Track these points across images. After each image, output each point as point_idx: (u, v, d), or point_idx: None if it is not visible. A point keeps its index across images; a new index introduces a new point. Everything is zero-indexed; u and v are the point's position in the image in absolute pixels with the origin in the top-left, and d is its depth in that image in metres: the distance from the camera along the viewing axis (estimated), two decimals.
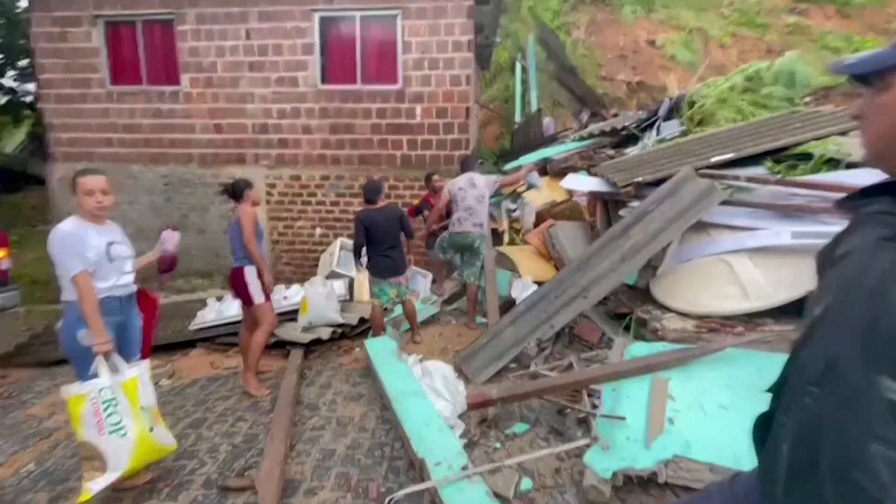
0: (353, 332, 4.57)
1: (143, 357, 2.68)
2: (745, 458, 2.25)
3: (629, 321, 3.82)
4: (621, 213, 4.65)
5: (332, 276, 5.70)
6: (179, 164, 7.28)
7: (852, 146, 3.87)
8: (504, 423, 2.92)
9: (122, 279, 2.47)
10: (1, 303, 4.33)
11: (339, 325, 4.44)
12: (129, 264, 2.55)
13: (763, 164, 4.38)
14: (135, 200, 7.38)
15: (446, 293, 5.12)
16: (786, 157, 4.32)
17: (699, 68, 14.69)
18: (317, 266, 7.03)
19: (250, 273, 3.52)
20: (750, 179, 3.84)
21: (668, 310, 3.60)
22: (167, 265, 2.98)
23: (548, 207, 6.23)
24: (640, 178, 4.42)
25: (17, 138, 15.80)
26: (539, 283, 4.71)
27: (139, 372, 2.40)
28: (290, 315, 4.60)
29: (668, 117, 6.26)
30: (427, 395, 3.03)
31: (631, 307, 3.91)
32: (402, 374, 3.34)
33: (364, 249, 4.09)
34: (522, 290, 4.58)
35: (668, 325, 3.38)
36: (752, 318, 3.21)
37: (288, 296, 4.81)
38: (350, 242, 6.39)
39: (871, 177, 0.79)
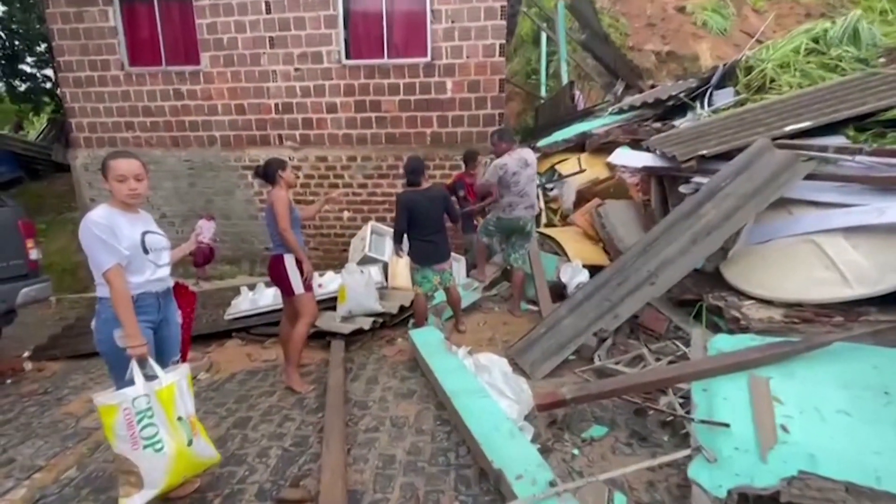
0: (393, 322, 4.30)
1: (183, 359, 2.43)
2: (888, 475, 1.93)
3: (699, 309, 3.46)
4: (682, 189, 4.25)
5: (365, 261, 5.41)
6: (202, 147, 7.00)
7: None
8: (576, 424, 2.63)
9: (157, 272, 2.20)
10: (34, 294, 4.14)
11: (380, 315, 4.17)
12: (166, 255, 2.27)
13: (843, 132, 3.93)
14: (157, 186, 7.14)
15: (487, 279, 4.80)
16: (871, 125, 3.86)
17: (732, 34, 13.87)
18: (345, 251, 6.77)
19: (290, 262, 3.24)
20: (839, 150, 3.40)
21: (746, 296, 3.23)
22: (204, 258, 2.73)
23: (589, 185, 5.81)
24: (704, 152, 4.00)
25: (38, 125, 15.74)
26: (589, 267, 4.38)
27: (177, 378, 2.14)
28: (327, 304, 4.34)
29: (719, 86, 5.75)
30: (489, 394, 2.74)
31: (699, 293, 3.55)
32: (457, 368, 3.06)
33: (405, 234, 3.77)
34: (573, 274, 4.24)
35: (751, 313, 3.02)
36: (850, 307, 2.82)
37: (323, 283, 4.54)
38: (381, 226, 6.10)
39: None
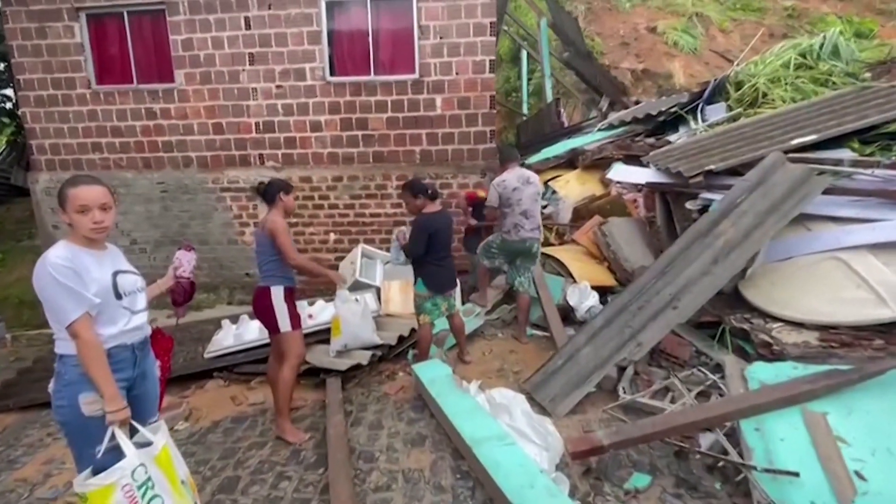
0: (392, 354, 3.94)
1: (157, 407, 2.05)
2: None
3: (721, 331, 3.24)
4: (689, 205, 4.08)
5: (357, 286, 5.05)
6: (176, 168, 6.56)
7: None
8: (614, 472, 2.33)
9: (133, 320, 1.82)
10: None
11: (377, 347, 3.81)
12: (142, 299, 1.90)
13: (847, 145, 3.84)
14: (128, 210, 6.64)
15: (489, 303, 4.51)
16: (875, 137, 3.78)
17: (702, 53, 14.24)
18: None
19: (277, 294, 2.87)
20: (855, 164, 3.28)
21: (773, 318, 3.03)
22: (185, 295, 2.34)
23: (585, 202, 5.64)
24: (711, 166, 3.85)
25: None
26: (595, 289, 4.15)
27: (165, 438, 1.78)
28: (319, 336, 3.96)
29: (709, 101, 5.70)
30: (514, 440, 2.43)
31: (719, 315, 3.34)
32: (472, 410, 2.73)
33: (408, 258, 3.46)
34: (581, 297, 3.99)
35: (783, 338, 2.81)
36: (888, 329, 2.65)
37: (314, 314, 4.16)
38: (371, 249, 5.76)
39: None
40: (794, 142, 3.82)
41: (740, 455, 2.14)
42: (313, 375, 3.66)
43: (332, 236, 6.50)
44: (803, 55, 5.17)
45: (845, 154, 3.73)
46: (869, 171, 3.15)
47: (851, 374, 2.28)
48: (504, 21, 9.61)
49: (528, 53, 10.87)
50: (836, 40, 5.53)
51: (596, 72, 8.74)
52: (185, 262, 2.31)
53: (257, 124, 6.32)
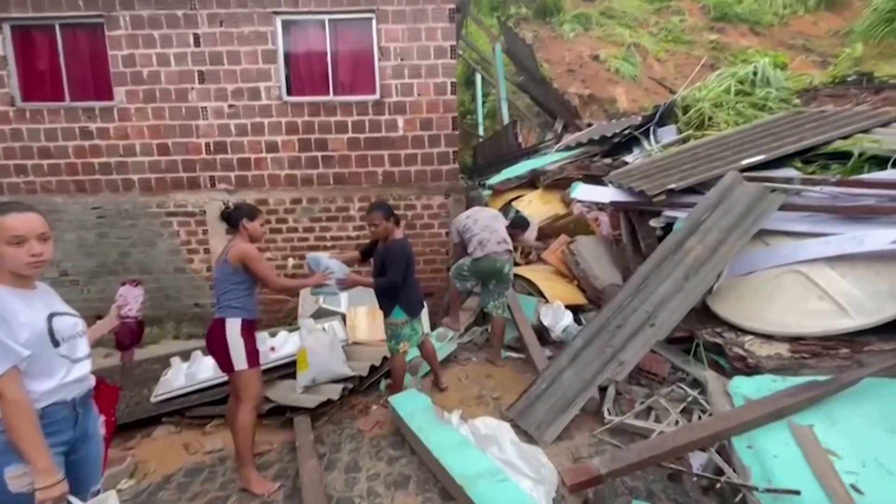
0: (363, 386, 3.70)
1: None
2: None
3: (695, 346, 3.28)
4: (652, 223, 4.18)
5: (320, 314, 4.77)
6: (115, 192, 6.02)
7: (893, 142, 3.64)
8: (612, 501, 2.23)
9: (74, 371, 1.54)
10: None
11: (348, 379, 3.56)
12: (83, 344, 1.62)
13: (790, 165, 4.10)
14: (58, 238, 5.98)
15: (461, 327, 4.38)
16: (814, 157, 4.06)
17: (641, 81, 15.17)
18: (288, 303, 6.03)
19: (232, 327, 2.60)
20: (805, 181, 3.48)
21: (743, 331, 3.10)
22: (132, 337, 2.05)
23: (550, 222, 5.69)
24: (673, 185, 3.97)
25: None
26: (568, 308, 4.13)
27: None
28: (283, 371, 3.65)
29: (660, 123, 5.98)
30: (507, 476, 2.28)
31: (691, 330, 3.38)
32: (459, 444, 2.57)
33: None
34: (555, 317, 3.95)
35: (757, 350, 2.87)
36: (851, 338, 2.76)
37: (276, 346, 3.84)
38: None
39: None
40: (745, 161, 4.02)
41: (735, 473, 2.11)
42: (279, 414, 3.35)
43: (291, 261, 6.15)
44: (741, 82, 5.55)
45: (790, 173, 3.97)
46: (818, 189, 3.34)
47: (829, 385, 2.33)
48: (458, 46, 9.78)
49: (482, 77, 11.09)
50: (766, 70, 6.01)
51: (549, 95, 9.03)
52: (130, 300, 2.02)
53: (208, 145, 5.94)
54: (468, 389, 3.62)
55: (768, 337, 2.96)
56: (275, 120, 5.94)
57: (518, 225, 4.46)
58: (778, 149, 4.10)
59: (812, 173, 3.90)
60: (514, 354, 4.13)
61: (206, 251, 6.08)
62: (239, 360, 2.59)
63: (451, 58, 5.85)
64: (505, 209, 6.52)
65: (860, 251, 2.92)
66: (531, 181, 6.65)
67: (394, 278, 3.05)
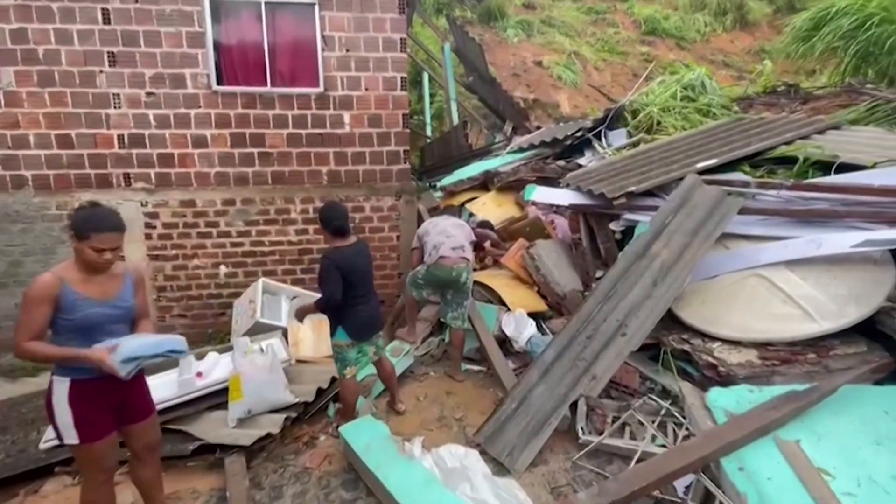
0: (309, 412, 3.24)
1: None
2: None
3: (663, 355, 3.15)
4: (612, 226, 4.06)
5: (258, 329, 4.22)
6: (3, 190, 5.06)
7: (835, 148, 3.74)
8: None
9: None
10: None
11: (291, 406, 3.09)
12: None
13: (739, 169, 4.14)
14: None
15: (418, 339, 4.02)
16: (762, 162, 4.12)
17: (582, 88, 15.59)
18: (223, 316, 5.38)
19: (59, 392, 1.92)
20: (761, 185, 3.47)
21: (710, 337, 3.00)
22: None
23: (505, 225, 5.47)
24: (633, 188, 3.86)
25: None
26: (531, 315, 3.91)
27: None
28: (212, 401, 3.11)
29: (610, 126, 5.97)
30: None
31: (657, 337, 3.25)
32: (424, 483, 2.22)
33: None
34: (518, 326, 3.70)
35: (727, 358, 2.76)
36: (815, 342, 2.72)
37: (203, 371, 3.28)
38: (273, 283, 4.94)
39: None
40: (699, 165, 4.00)
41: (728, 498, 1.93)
42: (206, 454, 2.82)
43: (224, 269, 5.49)
44: (686, 88, 5.64)
45: (740, 176, 4.00)
46: (774, 193, 3.34)
47: (809, 394, 2.22)
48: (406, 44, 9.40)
49: (429, 77, 10.79)
50: (704, 78, 6.19)
51: (499, 97, 8.89)
52: None
53: (121, 137, 5.15)
54: (428, 410, 3.27)
55: (735, 343, 2.87)
56: (203, 111, 5.26)
57: (485, 227, 4.24)
58: (728, 153, 4.13)
59: (761, 177, 3.94)
60: (475, 367, 3.84)
61: (121, 259, 5.25)
62: (66, 431, 1.93)
63: (401, 51, 5.48)
64: (458, 211, 6.25)
65: (818, 255, 2.90)
66: (483, 183, 6.43)
67: (325, 295, 2.67)
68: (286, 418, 2.97)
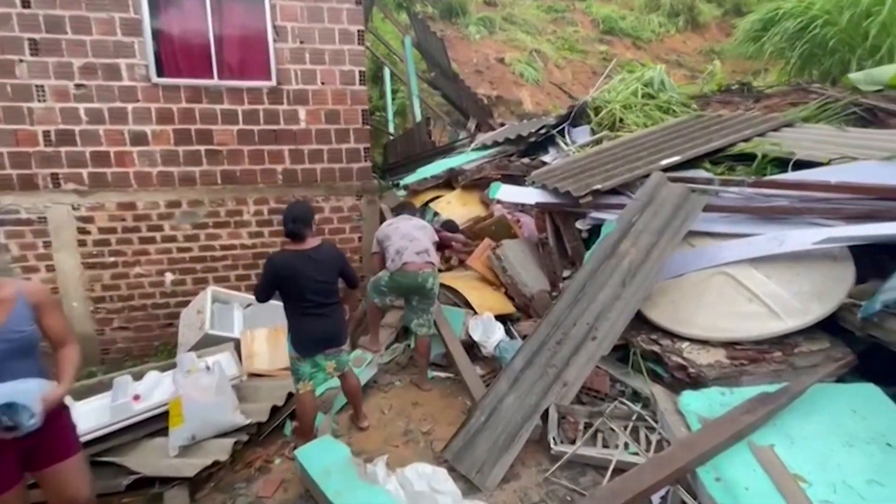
0: (262, 433, 2.98)
1: None
2: None
3: (632, 355, 3.08)
4: (578, 225, 3.98)
5: (207, 342, 3.89)
6: None
7: (790, 145, 3.79)
8: None
9: None
10: None
11: (243, 428, 2.82)
12: None
13: (701, 166, 4.15)
14: None
15: (382, 347, 3.81)
16: (722, 159, 4.14)
17: (544, 85, 15.71)
18: (171, 327, 4.97)
19: None
20: (724, 182, 3.46)
21: (679, 337, 2.95)
22: None
23: (470, 224, 5.33)
24: (598, 186, 3.79)
25: None
26: (499, 318, 3.78)
27: None
28: (151, 427, 2.80)
29: (573, 124, 5.92)
30: None
31: (625, 338, 3.18)
32: None
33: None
34: (485, 331, 3.55)
35: (696, 359, 2.71)
36: (781, 340, 2.71)
37: (140, 393, 2.95)
38: (224, 291, 4.60)
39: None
40: (663, 162, 3.98)
41: None
42: (146, 487, 2.52)
43: (170, 276, 5.08)
44: (646, 85, 5.66)
45: (702, 173, 4.00)
46: (736, 190, 3.33)
47: (780, 396, 2.18)
48: (366, 35, 9.09)
49: (390, 72, 10.50)
50: (663, 76, 6.25)
51: (462, 93, 8.73)
52: None
53: (47, 134, 4.64)
54: (393, 424, 3.08)
55: (703, 342, 2.83)
56: (142, 105, 4.82)
57: (449, 228, 4.08)
58: (690, 150, 4.12)
59: (721, 174, 3.95)
60: (442, 374, 3.67)
61: (50, 269, 4.76)
62: None
63: (359, 43, 5.22)
64: (422, 211, 6.06)
65: (781, 252, 2.90)
66: (448, 181, 6.27)
67: (256, 294, 2.55)
68: (236, 442, 2.70)
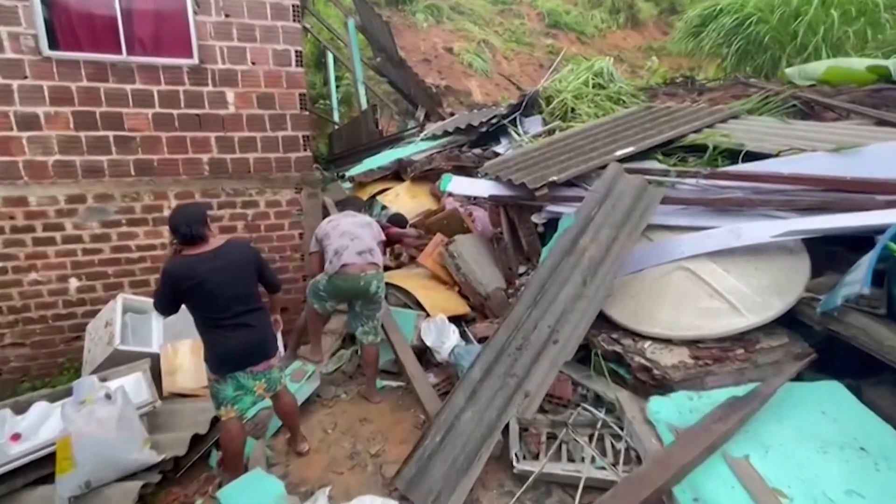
0: (182, 468, 2.52)
1: None
2: None
3: (593, 356, 2.90)
4: (534, 219, 3.77)
5: (116, 360, 3.33)
6: None
7: (739, 137, 3.77)
8: None
9: None
10: None
11: (156, 465, 2.36)
12: None
13: (653, 157, 4.06)
14: None
15: (326, 358, 3.41)
16: (673, 150, 4.07)
17: (493, 76, 15.59)
18: (78, 341, 4.29)
19: None
20: (680, 174, 3.36)
21: (640, 336, 2.80)
22: None
23: (420, 218, 5.00)
24: (555, 178, 3.59)
25: None
26: (455, 320, 3.50)
27: None
28: (40, 471, 2.27)
29: (524, 113, 5.72)
30: None
31: (586, 338, 3.00)
32: None
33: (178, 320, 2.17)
34: (439, 335, 3.26)
35: (660, 360, 2.55)
36: (742, 337, 2.62)
37: (23, 431, 2.39)
38: (139, 299, 4.00)
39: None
40: (618, 153, 3.84)
41: None
42: None
43: (75, 283, 4.37)
44: (596, 75, 5.56)
45: (654, 164, 3.91)
46: (693, 182, 3.23)
47: (751, 400, 2.06)
48: (305, 15, 8.43)
49: (334, 57, 9.88)
50: (611, 68, 6.19)
51: (409, 80, 8.32)
52: None
53: None
54: (338, 446, 2.72)
55: (666, 341, 2.69)
56: (31, 83, 4.06)
57: (397, 222, 3.74)
58: (642, 141, 4.02)
59: (674, 165, 3.88)
60: (393, 383, 3.35)
61: None
62: None
63: (295, 20, 4.69)
64: (369, 204, 5.66)
65: (739, 245, 2.81)
66: (396, 173, 5.90)
67: (155, 306, 2.15)
68: (145, 485, 2.24)
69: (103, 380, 2.94)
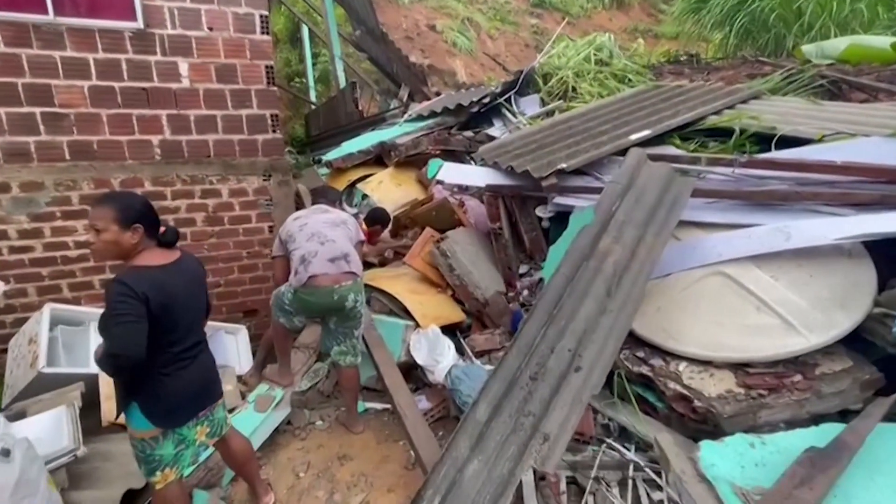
0: None
1: None
2: None
3: (617, 379, 2.43)
4: (539, 212, 3.26)
5: (42, 385, 2.70)
6: None
7: (769, 119, 3.29)
8: None
9: None
10: None
11: None
12: None
13: (669, 142, 3.57)
14: None
15: (297, 378, 2.85)
16: (692, 134, 3.59)
17: (477, 56, 14.87)
18: (5, 354, 3.61)
19: None
20: (711, 162, 2.86)
21: (672, 355, 2.34)
22: None
23: (407, 209, 4.43)
24: (563, 165, 3.06)
25: None
26: (449, 329, 2.99)
27: None
28: None
29: (519, 92, 5.15)
30: None
31: None
32: None
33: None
34: (431, 351, 2.74)
35: (703, 388, 2.09)
36: (795, 359, 2.17)
37: None
38: (71, 308, 3.36)
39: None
40: (632, 137, 3.33)
41: None
42: None
43: (2, 286, 3.63)
44: (598, 50, 5.00)
45: (671, 150, 3.42)
46: (729, 171, 2.74)
47: (837, 454, 1.60)
48: None
49: (310, 31, 9.04)
50: (612, 44, 5.64)
51: (392, 58, 7.61)
52: None
53: None
54: (311, 495, 2.20)
55: (705, 363, 2.24)
56: None
57: (377, 220, 3.18)
58: (658, 123, 3.52)
59: (694, 151, 3.40)
60: (378, 405, 2.83)
61: None
62: None
63: None
64: (349, 193, 5.05)
65: (789, 247, 2.35)
66: (378, 157, 5.29)
67: (114, 349, 1.45)
68: None
69: (17, 417, 2.34)
